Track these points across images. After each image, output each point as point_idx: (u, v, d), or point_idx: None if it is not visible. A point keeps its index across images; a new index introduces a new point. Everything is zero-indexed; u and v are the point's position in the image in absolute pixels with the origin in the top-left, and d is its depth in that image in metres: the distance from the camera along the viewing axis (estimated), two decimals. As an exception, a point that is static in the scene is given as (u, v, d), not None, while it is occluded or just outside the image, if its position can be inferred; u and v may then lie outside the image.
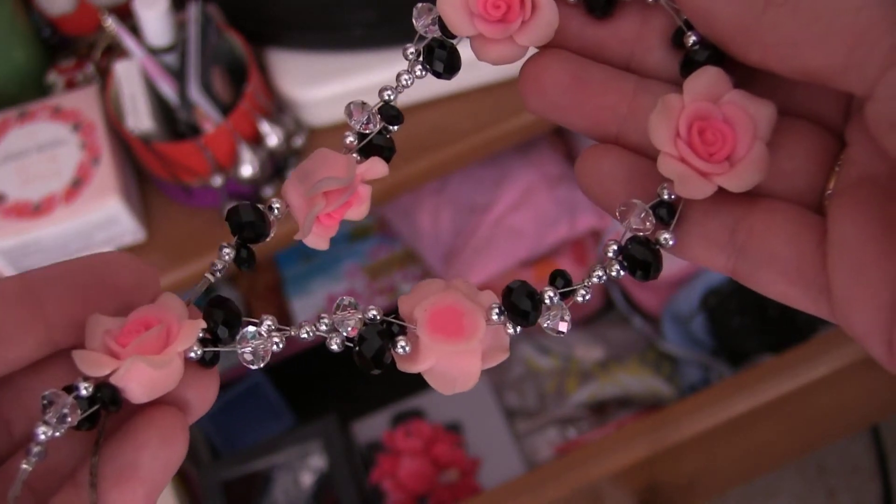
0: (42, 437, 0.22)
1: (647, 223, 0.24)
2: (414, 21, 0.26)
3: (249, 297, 1.01)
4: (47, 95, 0.73)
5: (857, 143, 0.23)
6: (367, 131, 0.26)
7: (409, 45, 0.26)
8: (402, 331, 0.24)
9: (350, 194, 0.25)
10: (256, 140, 0.69)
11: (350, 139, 0.26)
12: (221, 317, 0.24)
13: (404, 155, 0.73)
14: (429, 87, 0.72)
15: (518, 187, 0.94)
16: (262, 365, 0.24)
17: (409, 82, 0.26)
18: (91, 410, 0.22)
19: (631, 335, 0.98)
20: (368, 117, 0.26)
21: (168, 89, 0.67)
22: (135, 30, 0.68)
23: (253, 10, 0.71)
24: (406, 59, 0.26)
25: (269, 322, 0.24)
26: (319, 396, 0.99)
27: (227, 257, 0.25)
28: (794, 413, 0.90)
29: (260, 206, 0.25)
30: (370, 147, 0.26)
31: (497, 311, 0.24)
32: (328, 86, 0.70)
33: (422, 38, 0.26)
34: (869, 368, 0.84)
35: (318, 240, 0.26)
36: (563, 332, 0.24)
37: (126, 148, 0.71)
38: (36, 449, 0.22)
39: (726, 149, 0.24)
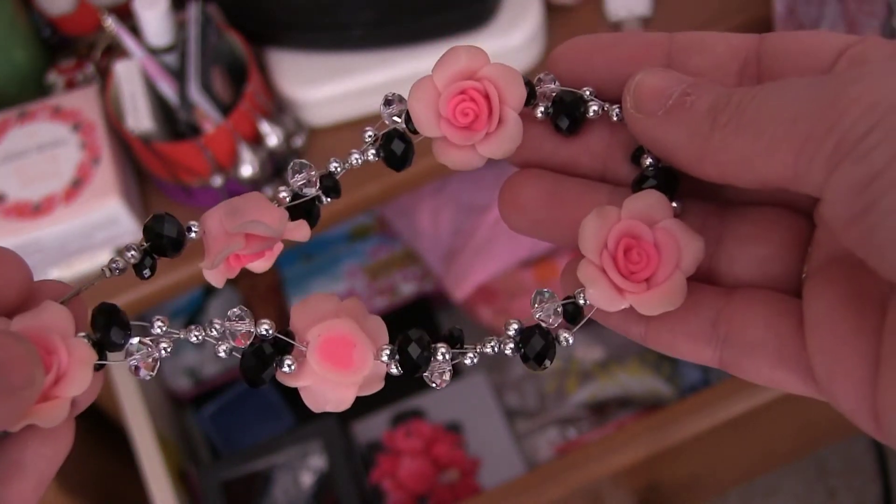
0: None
1: (553, 317, 0.25)
2: (381, 107, 0.26)
3: (250, 297, 1.01)
4: (47, 95, 0.73)
5: (823, 225, 0.24)
6: (304, 193, 0.26)
7: (368, 127, 0.27)
8: (289, 348, 0.24)
9: (269, 245, 0.25)
10: (256, 140, 0.69)
11: (283, 194, 0.26)
12: (105, 325, 0.24)
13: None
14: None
15: (518, 187, 0.93)
16: (152, 374, 0.24)
17: (358, 162, 0.27)
18: None
19: (631, 335, 0.98)
20: (307, 180, 0.26)
21: (168, 89, 0.67)
22: (135, 30, 0.68)
23: (253, 10, 0.71)
24: (363, 140, 0.27)
25: (159, 324, 0.24)
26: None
27: (130, 259, 0.25)
28: (794, 413, 0.90)
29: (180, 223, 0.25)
30: (298, 209, 0.26)
31: (388, 352, 0.25)
32: (328, 86, 0.71)
33: (384, 124, 0.27)
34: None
35: (217, 276, 0.26)
36: (438, 387, 0.25)
37: (126, 148, 0.71)
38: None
39: (647, 271, 0.24)
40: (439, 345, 0.25)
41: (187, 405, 0.99)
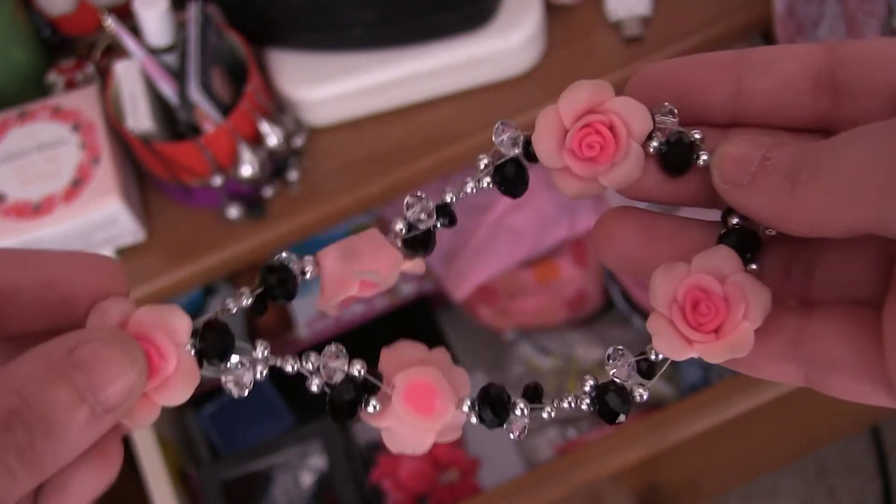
0: None
1: (627, 372, 0.26)
2: (494, 136, 0.27)
3: (249, 297, 1.01)
4: (47, 95, 0.73)
5: None
6: (421, 224, 0.27)
7: (482, 155, 0.27)
8: (375, 389, 0.26)
9: (383, 289, 0.27)
10: (256, 140, 0.69)
11: (399, 227, 0.27)
12: (214, 343, 0.24)
13: (405, 154, 0.73)
14: (429, 87, 0.72)
15: (518, 187, 0.93)
16: (245, 392, 0.25)
17: (473, 191, 0.27)
18: None
19: (631, 335, 0.98)
20: (423, 212, 0.27)
21: (168, 89, 0.67)
22: (135, 30, 0.67)
23: (253, 10, 0.71)
24: (478, 168, 0.27)
25: (262, 349, 0.25)
26: (319, 396, 0.99)
27: (244, 302, 0.25)
28: (794, 413, 0.90)
29: (293, 266, 0.26)
30: (414, 240, 0.27)
31: (468, 404, 0.26)
32: (328, 86, 0.71)
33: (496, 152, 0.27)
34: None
35: (330, 310, 0.27)
36: (516, 438, 0.26)
37: (126, 148, 0.71)
38: None
39: (715, 322, 0.25)
40: (518, 400, 0.26)
41: (187, 405, 0.99)
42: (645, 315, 0.99)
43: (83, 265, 0.23)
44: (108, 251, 0.71)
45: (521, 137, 0.27)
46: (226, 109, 0.68)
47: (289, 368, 0.25)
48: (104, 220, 0.67)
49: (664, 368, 0.26)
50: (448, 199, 0.27)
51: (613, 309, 1.00)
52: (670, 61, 0.27)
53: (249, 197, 0.71)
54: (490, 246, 0.92)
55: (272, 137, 0.69)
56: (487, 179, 0.27)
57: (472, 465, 0.93)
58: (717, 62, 0.26)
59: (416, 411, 0.25)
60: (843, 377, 0.24)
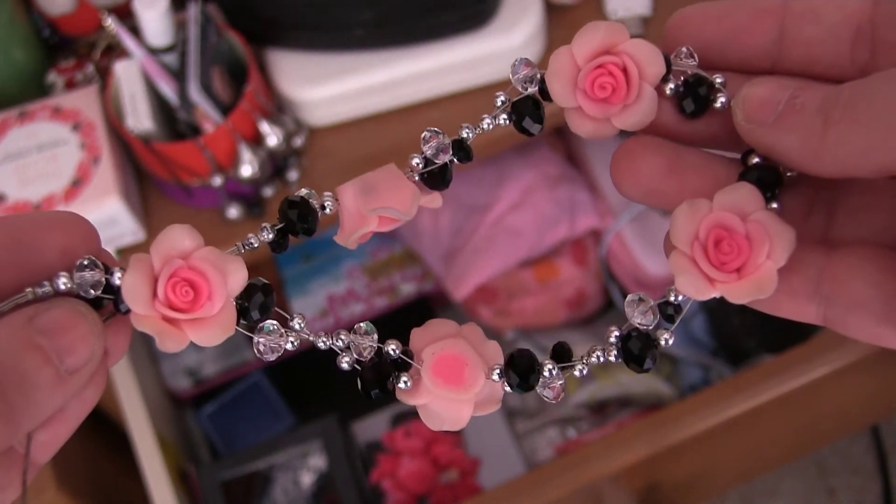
0: (62, 285, 0.23)
1: (651, 317, 0.26)
2: (511, 73, 0.27)
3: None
4: (47, 95, 0.73)
5: None
6: (437, 160, 0.27)
7: (499, 92, 0.27)
8: (407, 366, 0.25)
9: (399, 223, 0.27)
10: (256, 140, 0.69)
11: (416, 161, 0.27)
12: (259, 301, 0.25)
13: (405, 154, 0.73)
14: (429, 87, 0.72)
15: (518, 187, 0.94)
16: (272, 358, 0.25)
17: (489, 127, 0.27)
18: (103, 297, 0.24)
19: (631, 335, 0.98)
20: (440, 147, 0.27)
21: (168, 89, 0.67)
22: (135, 30, 0.67)
23: (253, 10, 0.71)
24: (495, 105, 0.27)
25: (298, 321, 0.25)
26: (319, 396, 0.99)
27: (266, 237, 0.26)
28: (794, 413, 0.90)
29: (313, 202, 0.26)
30: (432, 174, 0.27)
31: (498, 372, 0.25)
32: (328, 86, 0.70)
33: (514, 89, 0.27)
34: (869, 368, 0.84)
35: (349, 244, 0.27)
36: (553, 400, 0.26)
37: (126, 148, 0.71)
38: (45, 288, 0.23)
39: (738, 261, 0.25)
40: (547, 361, 0.26)
41: (187, 405, 0.99)
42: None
43: (50, 222, 0.24)
44: (108, 251, 0.71)
45: (538, 75, 0.27)
46: (226, 109, 0.68)
47: (321, 345, 0.25)
48: (104, 220, 0.67)
49: (686, 311, 0.26)
50: (464, 135, 0.27)
51: (613, 309, 1.00)
52: (709, 4, 0.26)
53: (249, 197, 0.71)
54: (490, 246, 0.92)
55: (272, 137, 0.69)
56: (504, 116, 0.27)
57: (472, 465, 0.93)
58: (759, 7, 0.26)
59: (446, 383, 0.25)
60: (863, 318, 0.24)
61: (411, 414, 0.95)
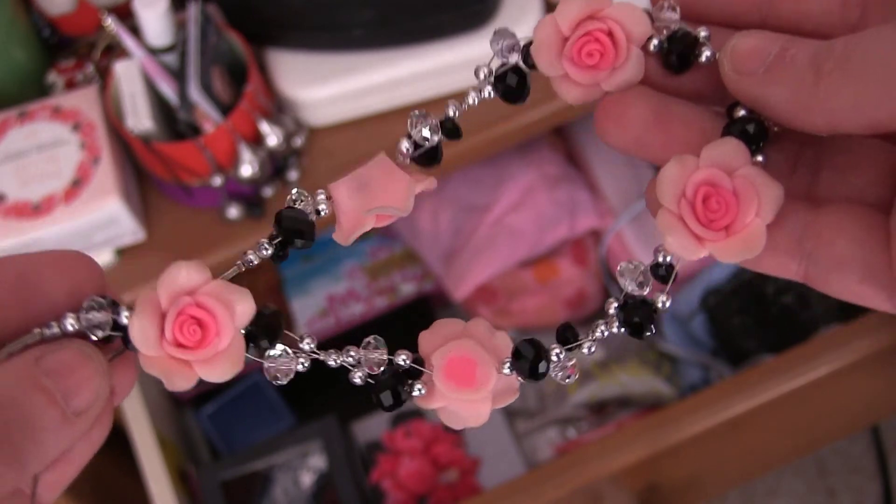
0: (69, 326, 0.23)
1: (644, 284, 0.26)
2: (491, 43, 0.27)
3: (249, 297, 1.01)
4: (47, 95, 0.73)
5: None
6: (425, 142, 0.27)
7: (480, 66, 0.27)
8: (419, 373, 0.25)
9: (402, 216, 0.27)
10: (256, 140, 0.69)
11: (405, 146, 0.27)
12: (265, 329, 0.25)
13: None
14: (429, 87, 0.72)
15: (518, 187, 0.94)
16: (284, 381, 0.25)
17: (475, 102, 0.27)
18: (111, 335, 0.24)
19: (631, 335, 0.98)
20: (429, 128, 0.27)
21: (168, 89, 0.67)
22: (135, 30, 0.67)
23: (253, 10, 0.71)
24: (478, 77, 0.27)
25: (308, 342, 0.25)
26: (319, 396, 0.99)
27: (264, 253, 0.26)
28: (794, 413, 0.90)
29: (306, 207, 0.26)
30: (423, 157, 0.27)
31: (508, 365, 0.25)
32: (328, 86, 0.70)
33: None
34: (869, 368, 0.84)
35: (346, 241, 0.27)
36: (567, 382, 0.26)
37: (126, 148, 0.71)
38: (53, 329, 0.23)
39: (726, 219, 0.24)
40: (553, 346, 0.26)
41: (187, 405, 0.99)
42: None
43: (55, 261, 0.24)
44: (108, 251, 0.71)
45: (520, 43, 0.27)
46: (226, 109, 0.68)
47: (331, 363, 0.25)
48: (104, 220, 0.67)
49: (677, 270, 0.26)
50: (451, 114, 0.27)
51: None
52: None
53: (249, 197, 0.71)
54: (490, 246, 0.92)
55: (272, 137, 0.69)
56: (489, 89, 0.27)
57: (472, 465, 0.93)
58: None
59: (459, 385, 0.25)
60: (845, 276, 0.24)
61: (411, 414, 0.95)
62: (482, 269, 0.92)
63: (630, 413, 0.92)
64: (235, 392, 0.99)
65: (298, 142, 0.72)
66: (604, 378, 0.93)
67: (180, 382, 0.24)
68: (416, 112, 0.27)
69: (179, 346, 0.24)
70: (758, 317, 0.94)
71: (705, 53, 0.26)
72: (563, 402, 0.93)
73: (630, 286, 0.25)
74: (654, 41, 0.26)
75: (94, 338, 0.23)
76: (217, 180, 0.68)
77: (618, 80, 0.26)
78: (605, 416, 0.93)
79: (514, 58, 0.27)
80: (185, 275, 0.24)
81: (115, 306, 0.23)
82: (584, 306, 0.98)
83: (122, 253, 0.71)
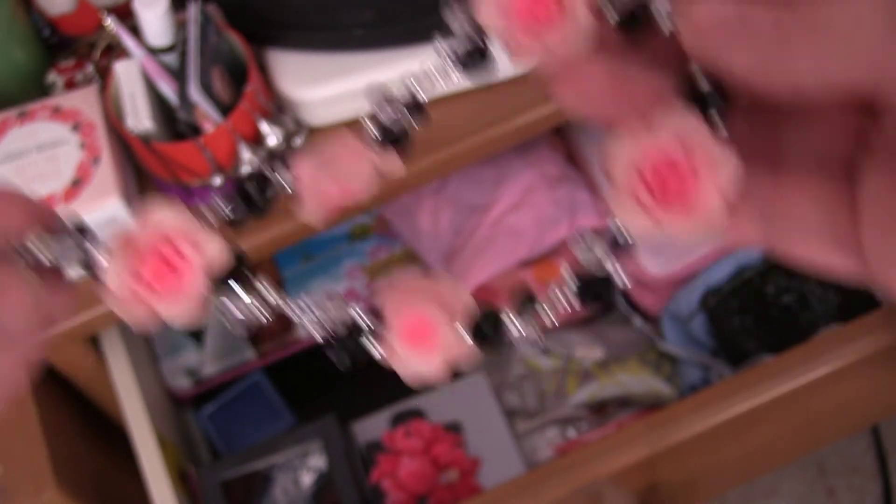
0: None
1: (597, 251, 0.26)
2: (449, 23, 0.27)
3: (249, 297, 1.01)
4: (47, 95, 0.73)
5: (890, 113, 0.23)
6: (395, 126, 0.27)
7: (439, 42, 0.27)
8: (379, 333, 0.26)
9: (366, 194, 0.27)
10: (256, 140, 0.69)
11: (375, 133, 0.27)
12: (233, 270, 0.26)
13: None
14: (428, 86, 0.72)
15: (518, 187, 0.94)
16: (243, 320, 0.26)
17: (444, 87, 0.28)
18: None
19: (631, 335, 0.98)
20: (392, 109, 0.27)
21: (168, 89, 0.67)
22: (135, 30, 0.67)
23: (253, 10, 0.71)
24: (439, 53, 0.27)
25: (263, 285, 0.26)
26: (319, 396, 0.99)
27: (227, 216, 0.27)
28: (794, 413, 0.90)
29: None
30: (390, 139, 0.27)
31: (463, 324, 0.26)
32: (328, 86, 0.70)
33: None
34: (869, 368, 0.84)
35: (317, 221, 0.27)
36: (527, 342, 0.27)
37: (126, 148, 0.71)
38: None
39: (683, 195, 0.23)
40: (505, 310, 0.26)
41: (187, 405, 0.99)
42: (644, 315, 0.99)
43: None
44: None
45: (470, 22, 0.27)
46: (226, 109, 0.68)
47: (294, 317, 0.26)
48: (104, 220, 0.67)
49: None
50: (420, 99, 0.27)
51: (613, 309, 1.00)
52: None
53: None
54: (490, 246, 0.92)
55: (272, 137, 0.69)
56: (457, 76, 0.27)
57: (472, 465, 0.93)
58: None
59: (414, 345, 0.25)
60: (808, 241, 0.23)
61: (411, 414, 0.95)
62: (482, 269, 0.92)
63: (630, 413, 0.92)
64: (235, 392, 0.99)
65: (298, 142, 0.72)
66: (604, 378, 0.93)
67: (137, 318, 0.24)
68: (381, 96, 0.27)
69: (147, 284, 0.24)
70: (758, 317, 0.94)
71: (662, 11, 0.25)
72: (562, 402, 0.93)
73: (584, 255, 0.26)
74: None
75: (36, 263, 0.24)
76: (217, 180, 0.68)
77: (567, 34, 0.25)
78: (605, 416, 0.93)
79: (476, 37, 0.27)
80: (159, 216, 0.25)
81: (86, 232, 0.25)
82: (584, 306, 0.98)
83: (122, 253, 0.71)
